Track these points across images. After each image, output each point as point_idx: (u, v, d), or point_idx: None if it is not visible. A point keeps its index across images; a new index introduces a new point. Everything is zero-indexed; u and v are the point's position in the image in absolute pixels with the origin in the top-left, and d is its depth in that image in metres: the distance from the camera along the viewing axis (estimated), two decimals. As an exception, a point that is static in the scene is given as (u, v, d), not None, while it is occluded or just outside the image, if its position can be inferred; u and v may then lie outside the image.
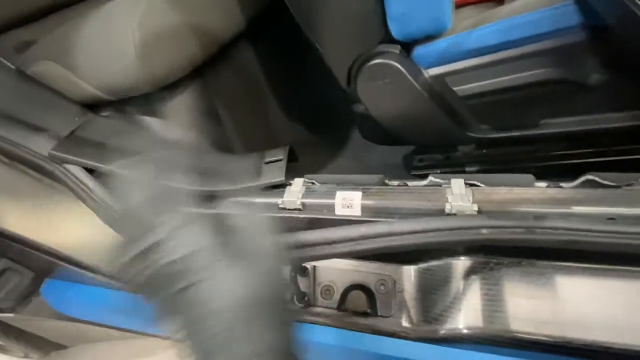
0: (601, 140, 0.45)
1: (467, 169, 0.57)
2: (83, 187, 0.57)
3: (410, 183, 0.50)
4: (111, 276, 0.66)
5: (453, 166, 0.58)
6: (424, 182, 0.48)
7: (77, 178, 0.57)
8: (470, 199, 0.43)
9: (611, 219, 0.37)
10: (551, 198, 0.41)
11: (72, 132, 0.60)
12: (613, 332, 0.43)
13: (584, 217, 0.38)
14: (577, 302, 0.46)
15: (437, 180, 0.47)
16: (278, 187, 0.54)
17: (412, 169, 0.63)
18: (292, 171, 0.56)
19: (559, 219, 0.38)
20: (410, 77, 0.46)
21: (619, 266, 0.45)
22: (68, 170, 0.56)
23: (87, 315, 0.75)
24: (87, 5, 0.61)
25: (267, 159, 0.58)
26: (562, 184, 0.43)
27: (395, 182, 0.52)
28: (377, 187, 0.49)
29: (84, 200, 0.57)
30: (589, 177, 0.41)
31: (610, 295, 0.44)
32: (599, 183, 0.41)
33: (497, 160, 0.54)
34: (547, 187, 0.43)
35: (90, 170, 0.57)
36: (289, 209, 0.50)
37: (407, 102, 0.48)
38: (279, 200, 0.51)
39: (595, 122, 0.42)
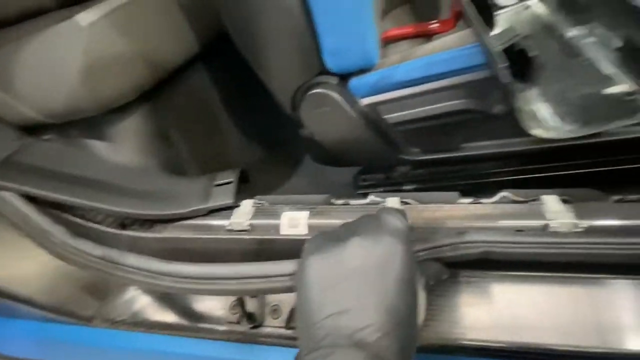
0: (513, 160, 0.52)
1: (404, 187, 0.62)
2: (20, 215, 0.54)
3: (352, 202, 0.54)
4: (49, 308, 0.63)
5: (393, 185, 0.63)
6: (365, 201, 0.52)
7: (13, 206, 0.54)
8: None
9: (520, 230, 0.42)
10: (472, 214, 0.46)
11: (7, 157, 0.58)
12: (547, 334, 0.47)
13: (498, 230, 0.43)
14: (512, 308, 0.49)
15: (377, 199, 0.51)
16: (228, 209, 0.55)
17: (356, 187, 0.67)
18: (245, 192, 0.57)
19: (477, 233, 0.42)
20: (347, 106, 0.50)
21: (549, 273, 0.50)
22: (2, 198, 0.53)
23: (21, 351, 0.70)
24: (28, 27, 0.60)
25: (217, 182, 0.59)
26: (482, 200, 0.48)
27: (340, 201, 0.55)
28: (322, 206, 0.52)
29: (20, 229, 0.54)
30: (504, 193, 0.47)
31: (545, 300, 0.48)
32: (511, 199, 0.47)
33: (430, 179, 0.59)
34: (470, 203, 0.48)
35: (29, 197, 0.54)
36: (236, 231, 0.51)
37: (345, 128, 0.52)
38: (226, 222, 0.52)
39: (506, 146, 0.48)
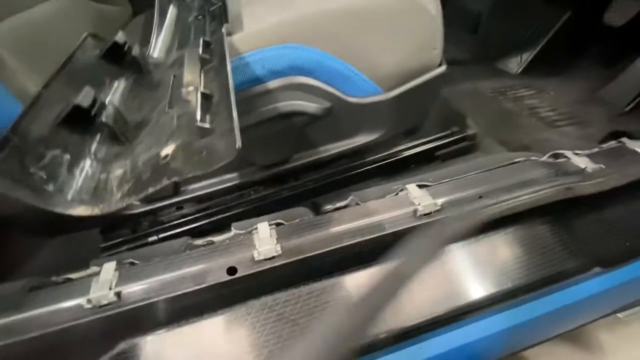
0: (239, 193, 0.54)
1: (149, 239, 0.57)
2: None
3: (75, 276, 0.45)
4: None
5: (140, 239, 0.57)
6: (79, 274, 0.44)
7: None
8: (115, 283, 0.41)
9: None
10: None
11: None
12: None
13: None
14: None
15: (95, 268, 0.44)
16: None
17: (100, 251, 0.57)
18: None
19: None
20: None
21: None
22: None
23: None
24: None
25: None
26: (215, 238, 0.48)
27: (59, 278, 0.45)
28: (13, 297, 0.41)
29: None
30: (234, 230, 0.47)
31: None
32: (236, 232, 0.47)
33: (173, 227, 0.56)
34: (202, 244, 0.47)
35: None
36: None
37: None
38: None
39: (225, 182, 0.49)
